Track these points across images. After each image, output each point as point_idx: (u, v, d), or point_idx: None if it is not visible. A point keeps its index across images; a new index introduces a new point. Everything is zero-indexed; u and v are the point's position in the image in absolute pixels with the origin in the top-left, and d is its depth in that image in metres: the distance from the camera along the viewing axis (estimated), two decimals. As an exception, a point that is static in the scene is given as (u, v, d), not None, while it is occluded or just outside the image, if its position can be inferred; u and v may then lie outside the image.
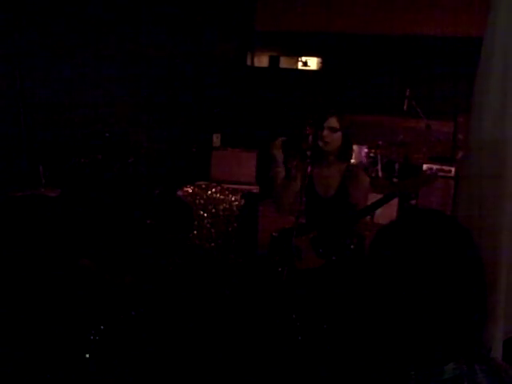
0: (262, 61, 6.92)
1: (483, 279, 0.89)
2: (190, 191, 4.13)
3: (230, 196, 4.12)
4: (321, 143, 2.63)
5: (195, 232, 4.01)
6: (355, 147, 5.18)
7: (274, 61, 7.03)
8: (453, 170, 4.77)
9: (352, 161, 5.03)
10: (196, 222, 4.01)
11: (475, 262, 0.88)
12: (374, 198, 2.69)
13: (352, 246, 2.74)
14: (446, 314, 0.85)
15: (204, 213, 4.07)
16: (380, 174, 5.14)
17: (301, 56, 7.17)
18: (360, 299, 0.95)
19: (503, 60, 2.43)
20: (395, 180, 5.07)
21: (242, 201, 4.11)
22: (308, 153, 2.62)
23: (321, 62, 7.19)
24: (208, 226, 4.08)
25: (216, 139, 5.55)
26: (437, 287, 0.85)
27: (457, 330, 0.86)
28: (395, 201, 4.43)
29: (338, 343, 2.41)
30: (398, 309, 0.87)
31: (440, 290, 0.85)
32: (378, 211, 2.62)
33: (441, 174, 4.64)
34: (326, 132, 2.61)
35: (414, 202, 4.77)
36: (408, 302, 0.86)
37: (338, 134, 2.64)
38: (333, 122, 2.63)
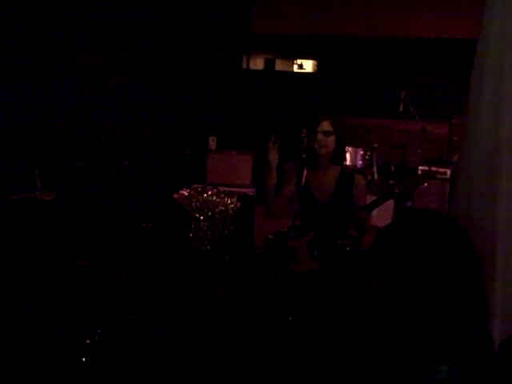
0: (258, 63, 6.93)
1: (480, 277, 0.90)
2: (186, 194, 4.12)
3: (226, 199, 4.11)
4: (316, 146, 2.63)
5: (191, 235, 4.00)
6: (351, 150, 5.19)
7: (269, 63, 7.05)
8: (448, 171, 4.78)
9: (347, 163, 5.03)
10: (192, 225, 4.00)
11: (472, 260, 0.90)
12: (369, 199, 2.70)
13: (348, 248, 2.74)
14: (443, 312, 0.86)
15: (200, 216, 4.07)
16: (376, 176, 5.15)
17: (296, 59, 7.19)
18: (360, 300, 0.97)
19: (497, 62, 2.45)
20: (391, 182, 5.08)
21: (238, 203, 4.11)
22: (303, 155, 2.62)
23: (316, 65, 7.22)
24: (204, 228, 4.07)
25: (212, 142, 5.56)
26: (436, 285, 0.87)
27: (454, 328, 0.87)
28: (391, 203, 4.43)
29: (335, 346, 2.41)
30: (399, 308, 0.89)
31: (438, 288, 0.87)
32: (374, 213, 2.63)
33: (436, 176, 4.66)
34: (320, 136, 2.62)
35: (409, 203, 4.78)
36: (408, 301, 0.88)
37: (332, 138, 2.65)
38: (326, 125, 2.64)
